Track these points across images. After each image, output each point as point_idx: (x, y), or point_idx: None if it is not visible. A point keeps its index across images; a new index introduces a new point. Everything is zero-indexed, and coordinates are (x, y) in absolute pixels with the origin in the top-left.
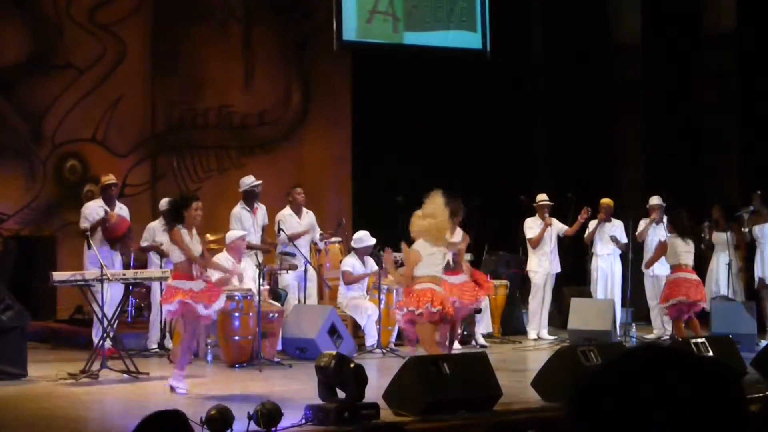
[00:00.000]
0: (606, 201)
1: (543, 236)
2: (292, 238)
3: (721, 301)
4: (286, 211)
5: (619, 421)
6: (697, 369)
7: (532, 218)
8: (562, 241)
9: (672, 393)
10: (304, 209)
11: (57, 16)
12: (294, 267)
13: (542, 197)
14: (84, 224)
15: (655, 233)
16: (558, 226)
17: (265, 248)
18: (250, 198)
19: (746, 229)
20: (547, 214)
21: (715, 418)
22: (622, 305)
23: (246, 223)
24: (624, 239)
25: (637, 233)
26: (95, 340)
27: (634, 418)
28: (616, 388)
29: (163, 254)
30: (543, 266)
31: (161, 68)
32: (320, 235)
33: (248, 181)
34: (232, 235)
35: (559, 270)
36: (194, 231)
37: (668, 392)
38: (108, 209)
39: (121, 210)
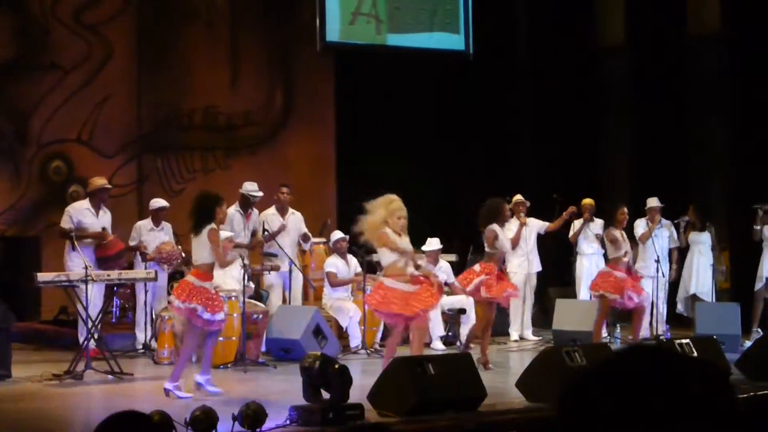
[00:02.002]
0: (588, 201)
1: (520, 236)
2: (272, 236)
3: (694, 301)
4: (270, 210)
5: (609, 423)
6: (686, 369)
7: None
8: (545, 241)
9: (662, 393)
10: (290, 209)
11: (43, 17)
12: (276, 267)
13: (518, 197)
14: (68, 225)
15: (661, 235)
16: (538, 224)
17: (249, 246)
18: (245, 203)
19: (758, 227)
20: (522, 214)
21: (706, 418)
22: None
23: (237, 226)
24: None
25: (639, 236)
26: (81, 340)
27: (624, 419)
28: (606, 390)
29: (144, 256)
30: (522, 267)
31: (147, 69)
32: (303, 235)
33: (249, 187)
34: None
35: (539, 269)
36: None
37: (658, 393)
38: (94, 212)
39: (105, 214)
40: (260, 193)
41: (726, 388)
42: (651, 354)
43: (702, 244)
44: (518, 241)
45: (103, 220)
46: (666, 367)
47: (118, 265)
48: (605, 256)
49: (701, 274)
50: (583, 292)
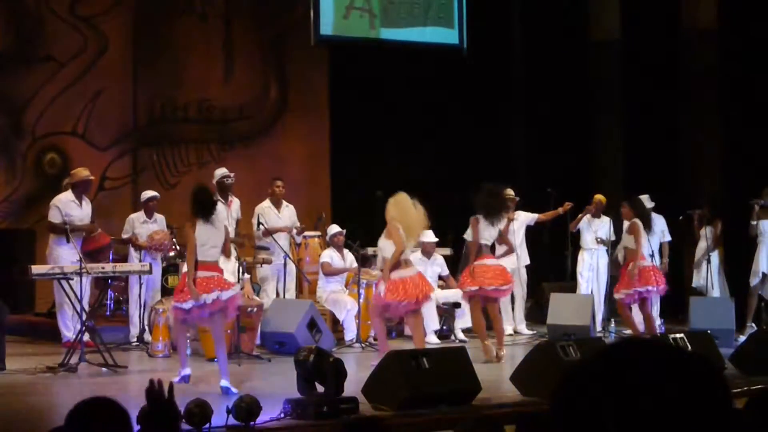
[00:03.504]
0: (599, 197)
1: (508, 231)
2: (270, 232)
3: (699, 296)
4: (266, 204)
5: (602, 416)
6: (680, 362)
7: None
8: (541, 236)
9: (655, 386)
10: (284, 202)
11: (38, 9)
12: (268, 261)
13: (507, 192)
14: (59, 218)
15: (654, 232)
16: (528, 217)
17: (240, 241)
18: (222, 190)
19: (755, 222)
20: (511, 209)
21: (700, 412)
22: (604, 300)
23: (220, 215)
24: (611, 236)
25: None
26: (66, 333)
27: (618, 412)
28: (599, 383)
29: (137, 247)
30: (510, 261)
31: (142, 62)
32: (296, 228)
33: (220, 172)
34: None
35: (528, 262)
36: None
37: (652, 386)
38: (78, 203)
39: (87, 205)
40: (232, 174)
41: (720, 382)
42: (645, 347)
43: (710, 238)
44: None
45: (86, 210)
46: (660, 361)
47: (103, 258)
48: (607, 252)
49: (712, 268)
50: (584, 286)
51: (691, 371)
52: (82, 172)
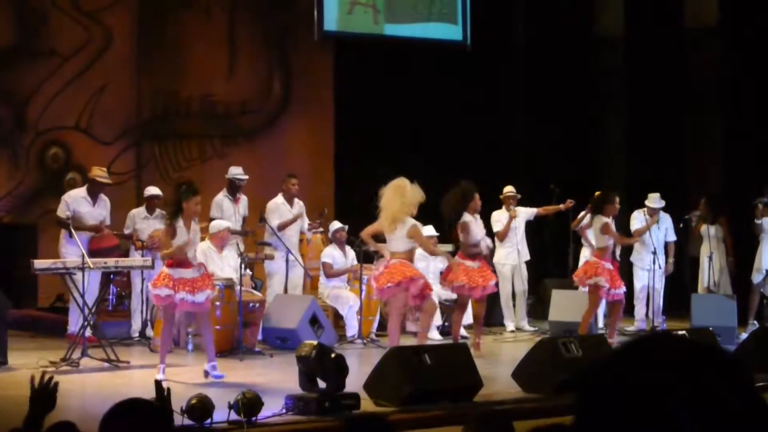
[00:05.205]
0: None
1: (509, 228)
2: (282, 227)
3: (704, 293)
4: (279, 200)
5: (631, 410)
6: (708, 357)
7: (498, 211)
8: (542, 232)
9: (686, 381)
10: (296, 199)
11: (41, 3)
12: (271, 256)
13: (509, 189)
14: (66, 212)
15: (659, 230)
16: (528, 212)
17: (245, 233)
18: (232, 188)
19: (759, 221)
20: (513, 206)
21: (729, 406)
22: None
23: (227, 211)
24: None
25: (635, 230)
26: (72, 327)
27: (648, 407)
28: (629, 377)
29: (137, 246)
30: (510, 258)
31: (146, 56)
32: (308, 224)
33: (234, 171)
34: (218, 225)
35: (528, 258)
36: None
37: (682, 380)
38: (90, 201)
39: (103, 202)
40: (246, 177)
41: (746, 377)
42: (673, 342)
43: (712, 237)
44: (507, 233)
45: (100, 206)
46: (688, 355)
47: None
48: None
49: (714, 267)
50: None
51: (719, 365)
52: (94, 171)
